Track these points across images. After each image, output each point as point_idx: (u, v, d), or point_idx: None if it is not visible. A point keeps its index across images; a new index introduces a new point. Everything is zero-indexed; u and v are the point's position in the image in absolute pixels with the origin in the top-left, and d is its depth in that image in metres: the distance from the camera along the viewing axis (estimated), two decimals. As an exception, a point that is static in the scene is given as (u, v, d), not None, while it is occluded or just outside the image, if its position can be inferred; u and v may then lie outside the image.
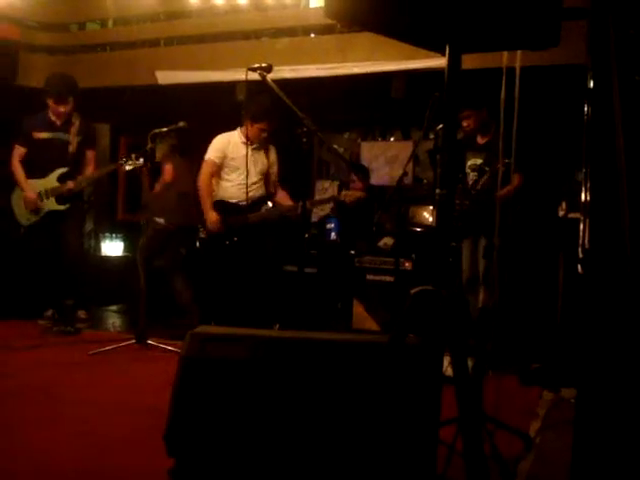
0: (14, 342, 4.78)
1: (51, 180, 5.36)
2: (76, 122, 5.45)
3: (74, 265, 5.43)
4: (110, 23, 6.92)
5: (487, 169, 4.52)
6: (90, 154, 5.53)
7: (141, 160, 4.87)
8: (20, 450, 2.75)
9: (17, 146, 5.46)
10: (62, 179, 5.35)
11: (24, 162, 5.44)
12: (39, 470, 2.57)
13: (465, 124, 4.62)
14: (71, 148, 5.41)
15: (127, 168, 4.95)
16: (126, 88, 6.44)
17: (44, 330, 5.24)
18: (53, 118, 5.42)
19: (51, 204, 5.37)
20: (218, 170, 5.15)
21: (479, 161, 4.64)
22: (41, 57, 6.77)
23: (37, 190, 5.36)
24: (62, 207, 5.37)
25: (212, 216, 5.05)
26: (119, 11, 6.58)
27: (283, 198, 5.19)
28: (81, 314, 5.49)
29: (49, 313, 5.50)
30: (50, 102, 5.35)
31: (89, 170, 5.45)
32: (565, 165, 4.77)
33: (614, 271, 1.62)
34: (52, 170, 5.37)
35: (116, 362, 4.35)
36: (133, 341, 4.63)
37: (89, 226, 7.00)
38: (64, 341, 4.96)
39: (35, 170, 5.42)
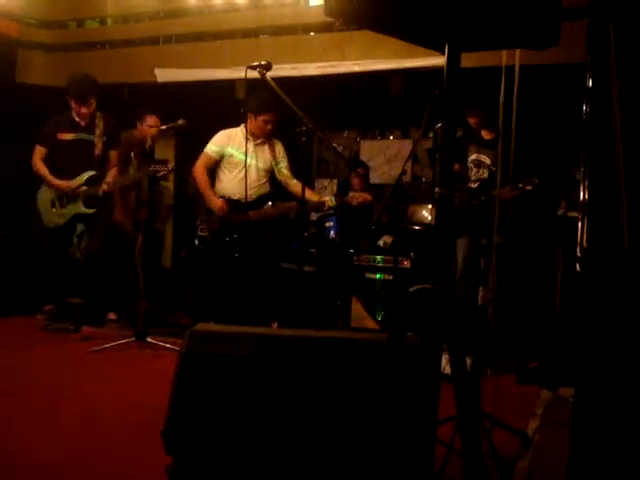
0: (14, 338, 4.80)
1: (78, 183, 5.31)
2: (100, 123, 5.39)
3: (99, 268, 5.39)
4: (109, 21, 6.92)
5: (494, 169, 4.51)
6: (113, 154, 5.46)
7: (170, 166, 4.97)
8: (19, 445, 2.76)
9: (38, 146, 5.38)
10: (90, 182, 5.31)
11: (49, 163, 5.37)
12: (38, 465, 2.57)
13: (472, 120, 4.62)
14: (97, 151, 5.36)
15: (159, 175, 4.99)
16: (125, 86, 6.44)
17: (42, 326, 5.23)
18: (77, 119, 5.37)
19: (78, 207, 5.34)
20: (215, 164, 5.13)
21: (484, 158, 4.63)
22: (40, 54, 6.74)
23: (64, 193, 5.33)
24: (90, 210, 5.34)
25: (217, 202, 5.04)
26: (118, 9, 6.57)
27: (307, 191, 4.60)
28: (111, 315, 5.47)
29: (47, 308, 5.50)
30: (72, 103, 5.31)
31: (113, 172, 5.38)
32: (564, 164, 4.77)
33: (612, 270, 1.62)
34: (78, 172, 5.32)
35: (116, 359, 4.36)
36: (132, 339, 4.63)
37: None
38: (63, 338, 4.96)
39: (61, 172, 5.35)
